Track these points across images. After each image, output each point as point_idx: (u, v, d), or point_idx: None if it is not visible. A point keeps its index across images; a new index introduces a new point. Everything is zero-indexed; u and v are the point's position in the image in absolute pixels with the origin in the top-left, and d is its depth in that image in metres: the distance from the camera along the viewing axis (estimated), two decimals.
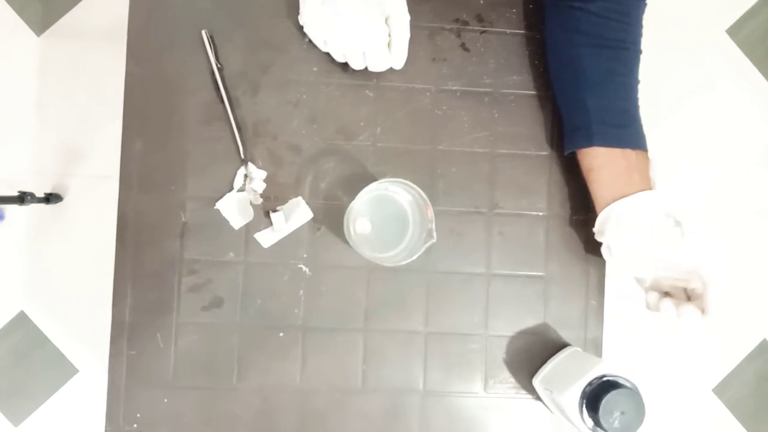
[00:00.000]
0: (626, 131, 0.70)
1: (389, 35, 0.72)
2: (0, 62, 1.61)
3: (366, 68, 0.74)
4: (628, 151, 0.69)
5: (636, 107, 0.71)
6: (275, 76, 0.76)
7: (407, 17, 0.72)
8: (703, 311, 0.66)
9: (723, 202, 1.73)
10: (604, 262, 0.78)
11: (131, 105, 0.75)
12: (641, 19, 0.71)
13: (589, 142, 0.70)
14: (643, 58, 0.72)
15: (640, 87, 0.72)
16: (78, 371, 1.60)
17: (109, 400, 0.74)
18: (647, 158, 0.70)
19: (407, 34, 0.73)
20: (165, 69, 0.75)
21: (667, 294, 0.70)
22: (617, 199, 0.68)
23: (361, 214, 0.72)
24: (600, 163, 0.70)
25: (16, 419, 1.60)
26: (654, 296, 0.69)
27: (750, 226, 1.73)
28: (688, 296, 0.69)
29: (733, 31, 1.72)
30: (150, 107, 0.75)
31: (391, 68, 0.74)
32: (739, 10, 1.73)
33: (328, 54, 0.75)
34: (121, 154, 0.75)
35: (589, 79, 0.71)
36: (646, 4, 0.71)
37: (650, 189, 0.68)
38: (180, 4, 0.76)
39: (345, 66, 0.75)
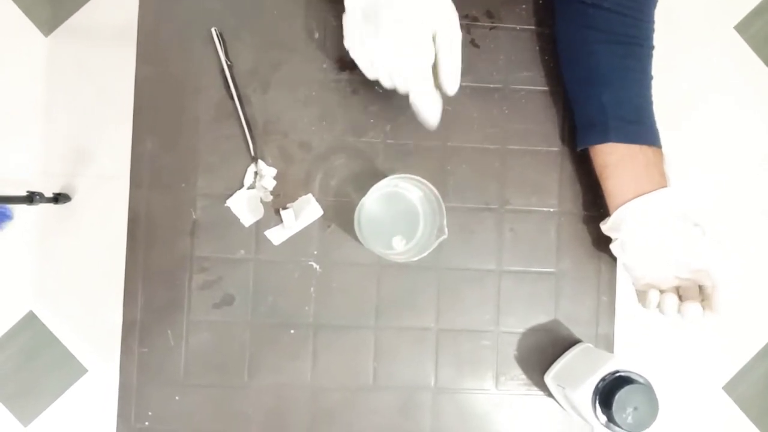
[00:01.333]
0: (642, 127, 0.70)
1: (436, 56, 0.63)
2: (8, 63, 1.62)
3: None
4: (645, 148, 0.68)
5: (650, 103, 0.71)
6: (285, 74, 0.76)
7: (459, 35, 0.63)
8: (709, 310, 0.66)
9: (732, 201, 1.72)
10: (615, 258, 0.77)
11: (141, 103, 0.75)
12: (653, 15, 0.71)
13: (605, 138, 0.70)
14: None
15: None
16: (87, 371, 1.61)
17: (120, 398, 0.74)
18: (662, 155, 0.70)
19: (458, 55, 0.63)
20: (175, 67, 0.75)
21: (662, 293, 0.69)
22: (635, 196, 0.68)
23: (373, 212, 0.72)
24: (616, 159, 0.69)
25: (25, 419, 1.60)
26: (655, 294, 0.68)
27: (760, 225, 1.72)
28: (680, 296, 0.69)
29: (742, 28, 1.72)
30: (160, 105, 0.75)
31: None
32: (748, 6, 1.72)
33: (337, 51, 0.75)
34: (132, 152, 0.75)
35: (604, 75, 0.70)
36: (657, 0, 0.71)
37: (667, 186, 0.68)
38: (189, 2, 0.76)
39: (355, 63, 0.75)
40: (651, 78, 0.71)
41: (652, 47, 0.71)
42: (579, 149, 0.75)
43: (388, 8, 0.60)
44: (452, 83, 0.64)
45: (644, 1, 0.70)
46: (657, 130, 0.71)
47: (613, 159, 0.70)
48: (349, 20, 0.63)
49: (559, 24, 0.76)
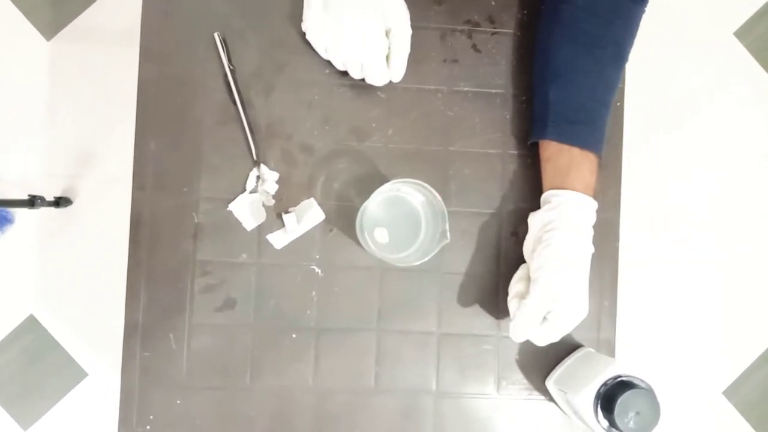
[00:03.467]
0: (579, 128, 0.70)
1: (389, 48, 0.72)
2: (10, 67, 1.62)
3: (363, 80, 0.74)
4: (575, 149, 0.69)
5: (600, 107, 0.71)
6: (288, 78, 0.76)
7: (409, 32, 0.72)
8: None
9: (731, 204, 1.72)
10: (616, 262, 0.78)
11: (144, 106, 0.75)
12: (633, 23, 0.71)
13: (543, 135, 0.71)
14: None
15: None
16: (87, 375, 1.60)
17: (122, 401, 0.74)
18: (594, 161, 0.69)
19: (407, 49, 0.73)
20: (178, 71, 0.76)
21: None
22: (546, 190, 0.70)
23: (375, 216, 0.72)
24: (548, 156, 0.71)
25: (25, 423, 1.60)
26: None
27: (758, 228, 1.72)
28: None
29: (742, 34, 1.72)
30: (163, 109, 0.75)
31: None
32: (748, 12, 1.72)
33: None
34: (134, 155, 0.75)
35: (555, 71, 0.71)
36: (644, 11, 0.71)
37: (582, 191, 0.68)
38: (193, 6, 0.76)
39: None
40: (612, 83, 0.72)
41: (621, 55, 0.71)
42: (529, 143, 0.76)
43: (351, 6, 0.69)
44: (400, 73, 0.74)
45: (623, 5, 0.70)
46: (599, 136, 0.71)
47: (545, 155, 0.71)
48: (310, 7, 0.71)
49: (540, 21, 0.76)
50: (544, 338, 0.67)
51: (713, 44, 1.72)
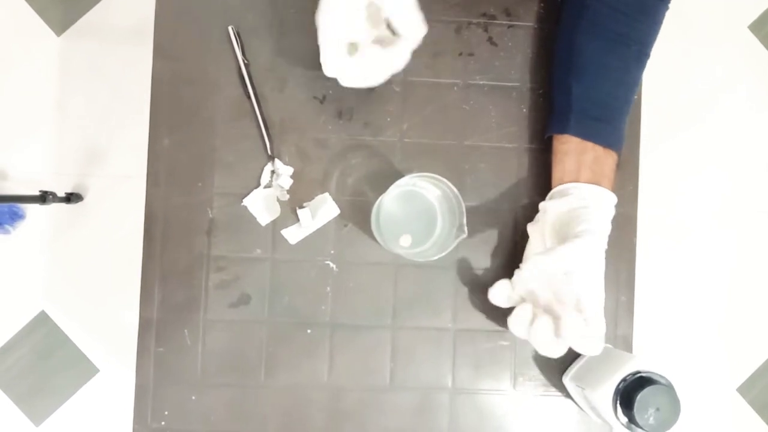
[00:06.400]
0: (602, 125, 0.69)
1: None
2: (20, 62, 1.62)
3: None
4: (598, 147, 0.68)
5: (622, 105, 0.70)
6: (302, 72, 0.76)
7: None
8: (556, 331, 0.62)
9: (748, 200, 1.71)
10: (633, 258, 0.77)
11: (158, 102, 0.75)
12: (657, 21, 0.70)
13: (565, 130, 0.70)
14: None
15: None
16: (99, 371, 1.61)
17: (136, 397, 0.73)
18: (614, 158, 0.69)
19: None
20: (191, 65, 0.75)
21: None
22: (572, 181, 0.68)
23: (391, 211, 0.72)
24: (566, 149, 0.70)
25: (37, 419, 1.61)
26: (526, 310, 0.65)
27: None
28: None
29: (756, 27, 1.71)
30: (177, 104, 0.75)
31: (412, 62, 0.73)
32: (762, 4, 1.71)
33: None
34: (148, 151, 0.74)
35: (580, 67, 0.70)
36: (667, 8, 0.70)
37: (603, 186, 0.67)
38: (206, 1, 0.75)
39: None
40: (635, 82, 0.71)
41: (644, 53, 0.70)
42: (546, 137, 0.74)
43: None
44: (411, 29, 0.62)
45: (649, 3, 0.69)
46: (620, 134, 0.70)
47: (565, 149, 0.70)
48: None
49: (561, 16, 0.75)
50: (571, 327, 0.61)
51: (728, 38, 1.71)
